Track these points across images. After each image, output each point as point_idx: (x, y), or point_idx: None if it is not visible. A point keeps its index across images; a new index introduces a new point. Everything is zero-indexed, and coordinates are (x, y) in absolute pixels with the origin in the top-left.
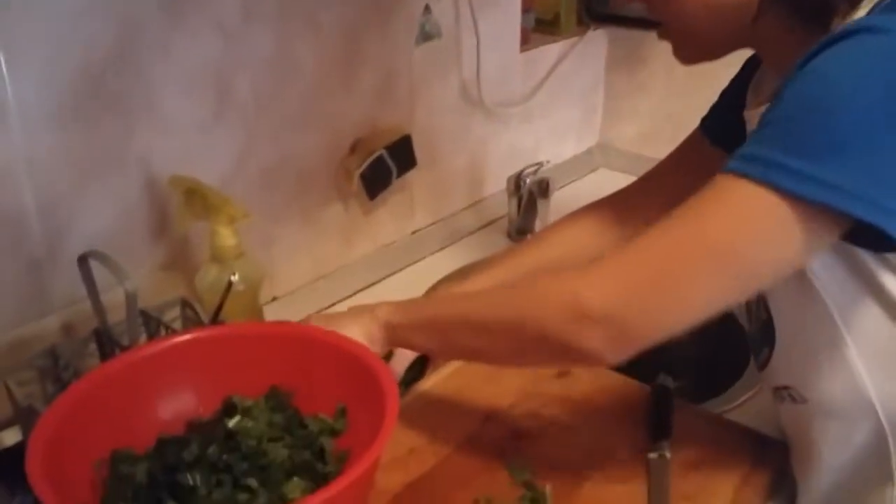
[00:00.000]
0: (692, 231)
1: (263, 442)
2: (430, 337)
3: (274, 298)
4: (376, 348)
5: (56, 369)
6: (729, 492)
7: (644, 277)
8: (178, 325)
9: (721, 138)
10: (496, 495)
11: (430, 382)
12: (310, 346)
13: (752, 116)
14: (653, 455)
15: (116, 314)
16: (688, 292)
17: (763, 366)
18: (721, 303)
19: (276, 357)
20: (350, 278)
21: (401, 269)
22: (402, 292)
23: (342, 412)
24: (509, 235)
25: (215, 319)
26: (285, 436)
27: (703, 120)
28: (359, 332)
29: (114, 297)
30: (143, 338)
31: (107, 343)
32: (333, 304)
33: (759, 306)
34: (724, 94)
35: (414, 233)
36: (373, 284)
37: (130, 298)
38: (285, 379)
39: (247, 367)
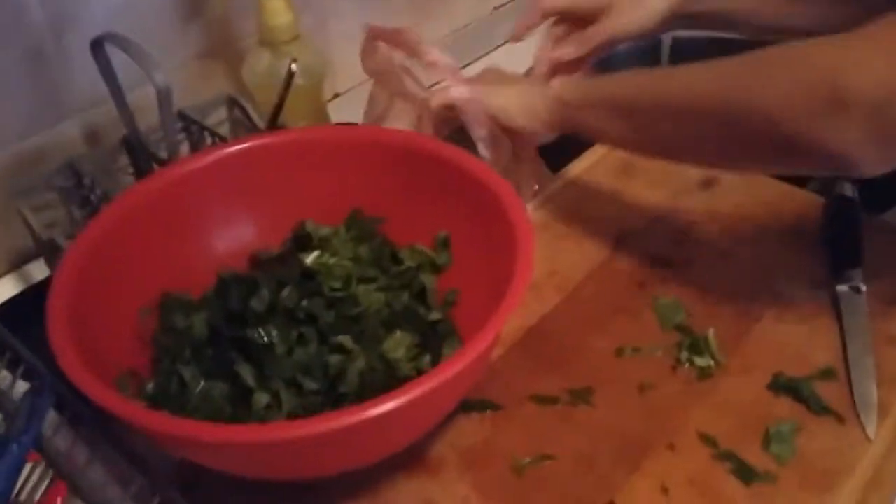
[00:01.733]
0: None
1: (352, 285)
2: (612, 120)
3: (335, 95)
4: (538, 128)
5: (80, 189)
6: None
7: None
8: (224, 129)
9: None
10: (644, 342)
11: (541, 197)
12: (400, 155)
13: None
14: (843, 287)
15: (147, 117)
16: None
17: None
18: None
19: (355, 171)
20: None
21: (479, 58)
22: None
23: (444, 242)
24: None
25: (274, 123)
26: (379, 275)
27: None
28: (519, 106)
29: (142, 97)
30: (185, 147)
31: (140, 154)
32: None
33: None
34: None
35: (497, 8)
36: None
37: (163, 95)
38: (368, 200)
39: (320, 185)
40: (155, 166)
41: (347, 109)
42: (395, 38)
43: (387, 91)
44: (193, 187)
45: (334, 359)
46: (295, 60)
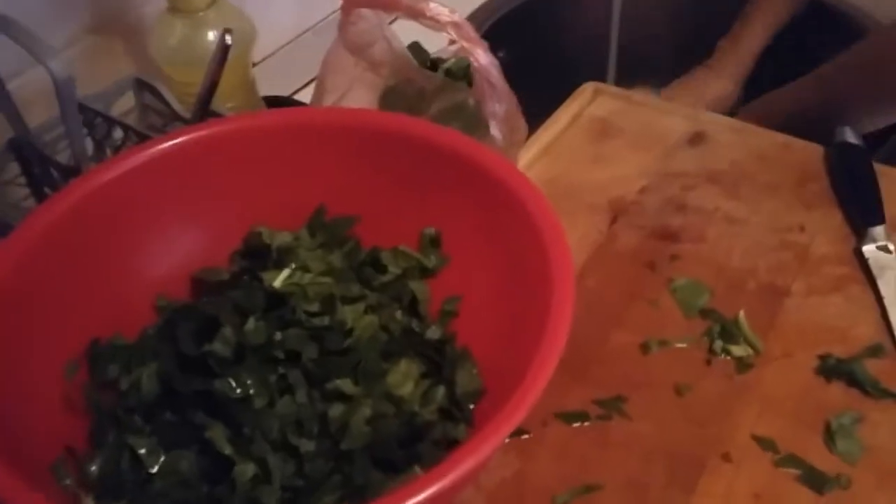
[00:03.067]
0: None
1: (338, 308)
2: None
3: (252, 65)
4: None
5: None
6: None
7: None
8: (132, 120)
9: None
10: (670, 333)
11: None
12: (370, 140)
13: None
14: (870, 248)
15: (36, 113)
16: None
17: None
18: None
19: (316, 163)
20: None
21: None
22: (422, 36)
23: (432, 240)
24: None
25: (205, 108)
26: (366, 292)
27: None
28: None
29: (26, 87)
30: (88, 146)
31: (35, 161)
32: None
33: None
34: None
35: None
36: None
37: (63, 87)
38: (334, 198)
39: (274, 182)
40: (55, 174)
41: (267, 80)
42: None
43: (345, 74)
44: (117, 199)
45: (335, 410)
46: (229, 31)
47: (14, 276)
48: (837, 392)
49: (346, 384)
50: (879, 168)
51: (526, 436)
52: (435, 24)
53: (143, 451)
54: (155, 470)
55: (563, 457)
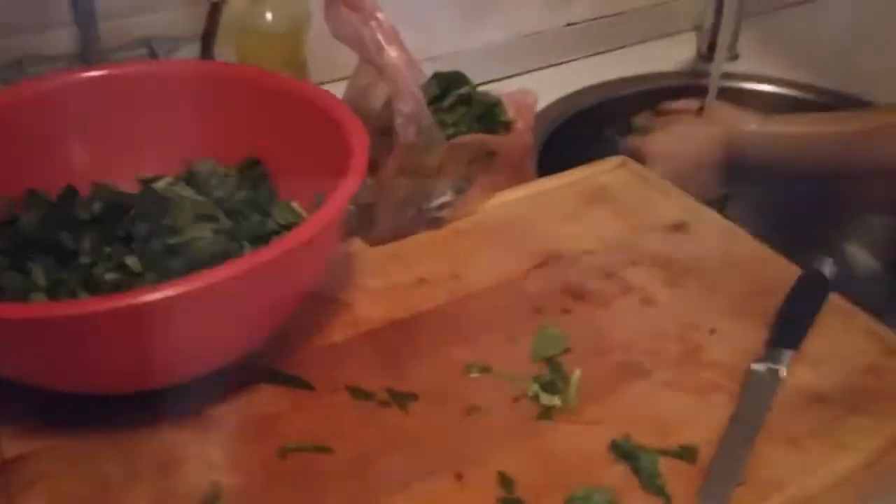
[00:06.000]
0: None
1: (188, 223)
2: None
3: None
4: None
5: None
6: (870, 446)
7: None
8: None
9: None
10: (501, 366)
11: (498, 201)
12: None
13: None
14: (759, 366)
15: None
16: None
17: None
18: None
19: (248, 113)
20: (471, 68)
21: (540, 69)
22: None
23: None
24: (699, 52)
25: (207, 53)
26: (221, 217)
27: None
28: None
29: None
30: None
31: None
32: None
33: None
34: None
35: (569, 25)
36: (500, 79)
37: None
38: (262, 147)
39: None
40: None
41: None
42: None
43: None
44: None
45: (112, 275)
46: None
47: None
48: (618, 473)
49: (133, 261)
50: (844, 306)
51: (310, 392)
52: (370, 22)
53: None
54: None
55: (325, 419)
